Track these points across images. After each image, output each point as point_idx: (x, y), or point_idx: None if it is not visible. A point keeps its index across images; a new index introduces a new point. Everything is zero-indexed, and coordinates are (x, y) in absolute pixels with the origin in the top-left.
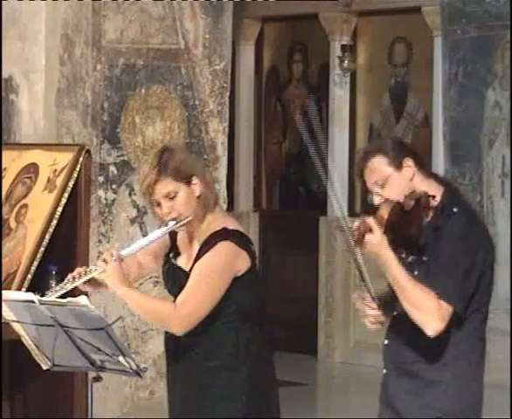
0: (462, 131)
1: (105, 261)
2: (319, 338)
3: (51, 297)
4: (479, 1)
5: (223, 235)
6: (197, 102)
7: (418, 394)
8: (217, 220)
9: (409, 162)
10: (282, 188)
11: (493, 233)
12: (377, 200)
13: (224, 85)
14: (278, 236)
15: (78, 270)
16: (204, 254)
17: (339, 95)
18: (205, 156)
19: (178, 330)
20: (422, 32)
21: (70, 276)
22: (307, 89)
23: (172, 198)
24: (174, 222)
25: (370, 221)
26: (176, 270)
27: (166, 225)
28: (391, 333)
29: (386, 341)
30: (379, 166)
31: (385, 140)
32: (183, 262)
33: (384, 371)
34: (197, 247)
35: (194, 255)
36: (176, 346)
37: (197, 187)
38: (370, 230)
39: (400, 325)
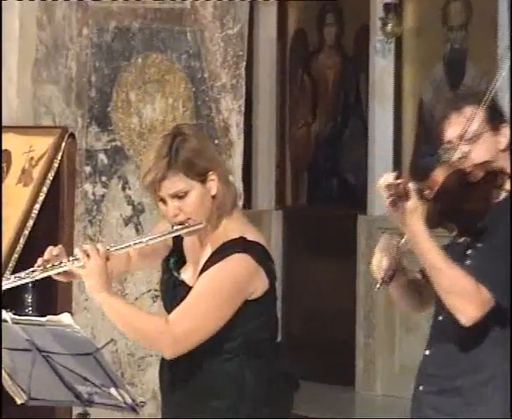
0: None
1: (87, 254)
2: (357, 364)
3: (11, 283)
4: None
5: (240, 245)
6: (206, 75)
7: (456, 414)
8: (235, 226)
9: (505, 130)
10: (311, 179)
11: None
12: (456, 155)
13: (240, 53)
14: (305, 238)
15: (50, 255)
16: (213, 264)
17: (381, 65)
18: (216, 141)
19: (168, 352)
20: None
21: (40, 261)
22: (341, 58)
23: (181, 197)
24: (181, 226)
25: (410, 185)
26: (177, 283)
27: (171, 228)
28: (434, 343)
29: (427, 351)
30: (473, 117)
31: (479, 92)
32: (188, 274)
33: (421, 388)
34: (207, 255)
35: (202, 264)
36: (171, 377)
37: (213, 184)
38: (407, 195)
39: (446, 332)
